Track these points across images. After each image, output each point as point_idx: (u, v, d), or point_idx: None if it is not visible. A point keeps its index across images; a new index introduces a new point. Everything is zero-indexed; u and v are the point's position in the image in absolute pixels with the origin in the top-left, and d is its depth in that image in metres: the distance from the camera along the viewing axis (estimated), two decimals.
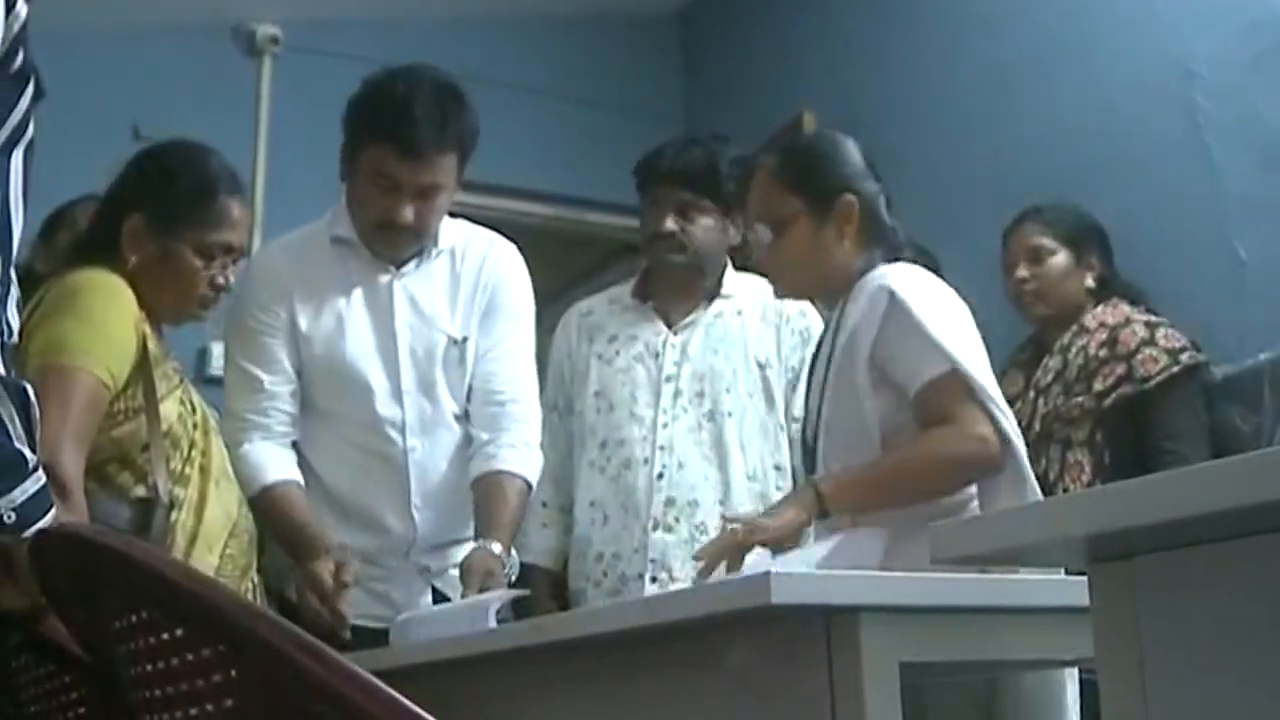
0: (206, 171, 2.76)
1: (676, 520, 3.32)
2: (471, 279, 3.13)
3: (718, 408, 3.38)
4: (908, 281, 2.58)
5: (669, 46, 6.69)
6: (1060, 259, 3.68)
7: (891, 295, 2.53)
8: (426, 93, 2.94)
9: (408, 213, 2.96)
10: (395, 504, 3.06)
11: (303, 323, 3.04)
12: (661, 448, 3.35)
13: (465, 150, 3.02)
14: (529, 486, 3.05)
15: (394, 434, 3.05)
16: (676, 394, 3.39)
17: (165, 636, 1.23)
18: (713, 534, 3.26)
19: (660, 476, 3.34)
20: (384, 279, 3.08)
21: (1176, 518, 1.07)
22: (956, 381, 2.48)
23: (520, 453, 3.05)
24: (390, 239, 3.04)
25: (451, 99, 2.98)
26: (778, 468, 3.40)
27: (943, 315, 2.55)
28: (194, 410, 2.70)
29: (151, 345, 2.60)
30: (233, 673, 1.17)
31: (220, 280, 2.73)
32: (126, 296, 2.57)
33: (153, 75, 4.93)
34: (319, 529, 2.89)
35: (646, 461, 3.35)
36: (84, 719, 1.82)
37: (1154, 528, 1.10)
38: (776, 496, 3.32)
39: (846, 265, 2.68)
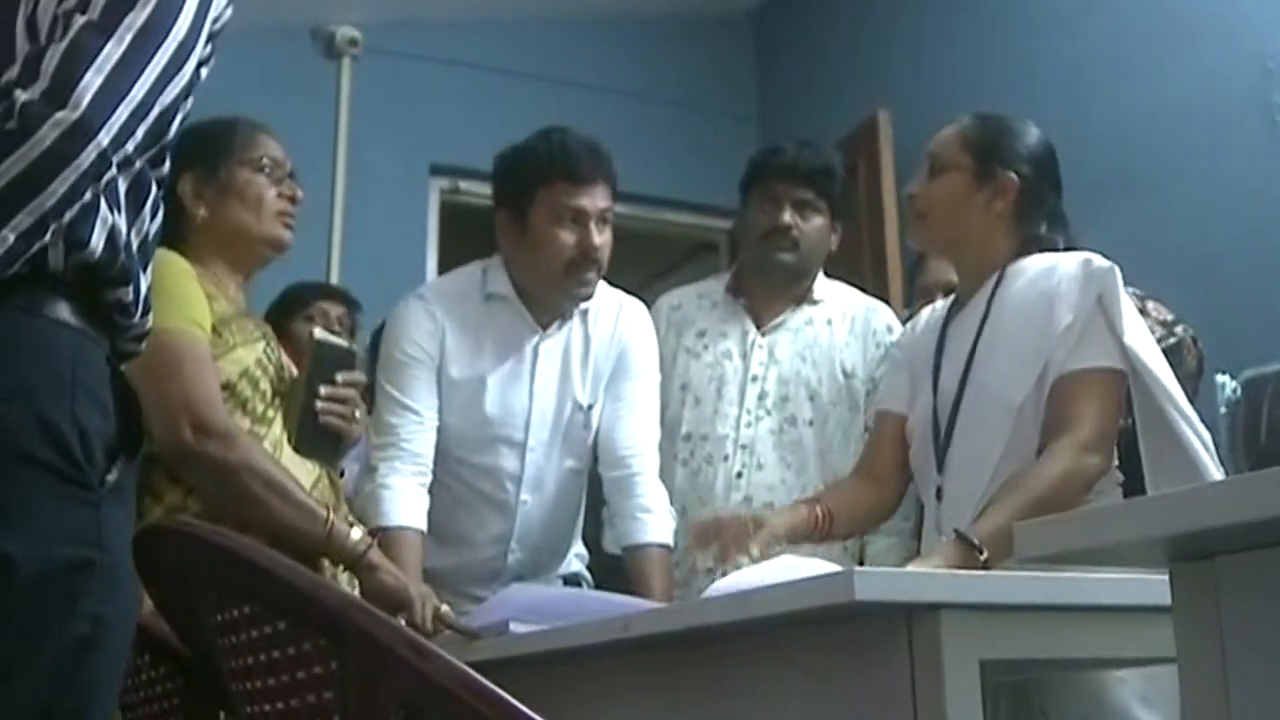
0: (223, 118, 2.83)
1: None
2: (603, 343, 3.26)
3: (799, 414, 3.40)
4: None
5: (743, 46, 6.68)
6: None
7: (1110, 272, 2.57)
8: (575, 135, 3.14)
9: (598, 238, 3.09)
10: (494, 543, 3.23)
11: (453, 371, 3.16)
12: (743, 447, 3.37)
13: (614, 191, 3.16)
14: (671, 549, 3.20)
15: (510, 485, 3.21)
16: (761, 396, 3.41)
17: (267, 630, 1.26)
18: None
19: (739, 475, 3.35)
20: (530, 341, 3.20)
21: (1258, 518, 1.08)
22: (1114, 381, 2.54)
23: (657, 517, 3.19)
24: (583, 275, 3.13)
25: (596, 143, 3.16)
26: None
27: (1135, 316, 2.59)
28: (282, 368, 2.72)
29: (220, 305, 2.64)
30: (333, 665, 1.20)
31: (287, 191, 2.77)
32: (174, 259, 2.62)
33: (232, 77, 4.93)
34: (416, 588, 2.82)
35: (726, 459, 3.38)
36: (176, 710, 1.86)
37: (1235, 528, 1.11)
38: None
39: (987, 236, 2.75)
